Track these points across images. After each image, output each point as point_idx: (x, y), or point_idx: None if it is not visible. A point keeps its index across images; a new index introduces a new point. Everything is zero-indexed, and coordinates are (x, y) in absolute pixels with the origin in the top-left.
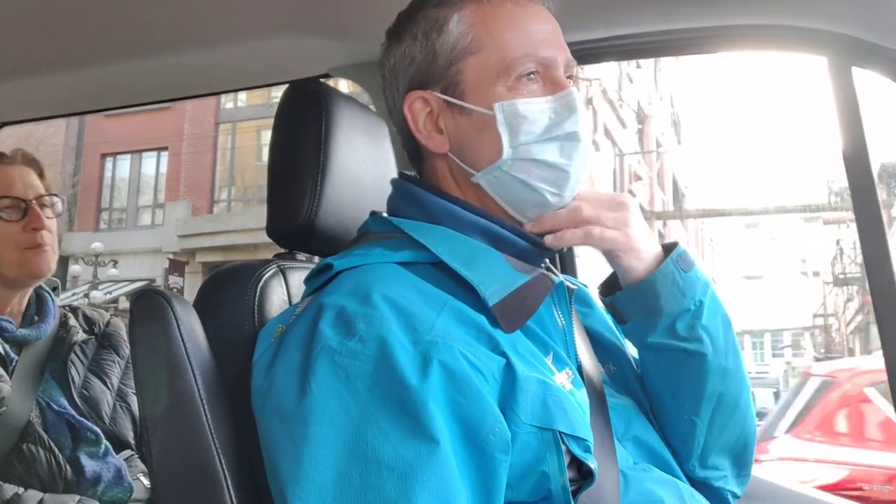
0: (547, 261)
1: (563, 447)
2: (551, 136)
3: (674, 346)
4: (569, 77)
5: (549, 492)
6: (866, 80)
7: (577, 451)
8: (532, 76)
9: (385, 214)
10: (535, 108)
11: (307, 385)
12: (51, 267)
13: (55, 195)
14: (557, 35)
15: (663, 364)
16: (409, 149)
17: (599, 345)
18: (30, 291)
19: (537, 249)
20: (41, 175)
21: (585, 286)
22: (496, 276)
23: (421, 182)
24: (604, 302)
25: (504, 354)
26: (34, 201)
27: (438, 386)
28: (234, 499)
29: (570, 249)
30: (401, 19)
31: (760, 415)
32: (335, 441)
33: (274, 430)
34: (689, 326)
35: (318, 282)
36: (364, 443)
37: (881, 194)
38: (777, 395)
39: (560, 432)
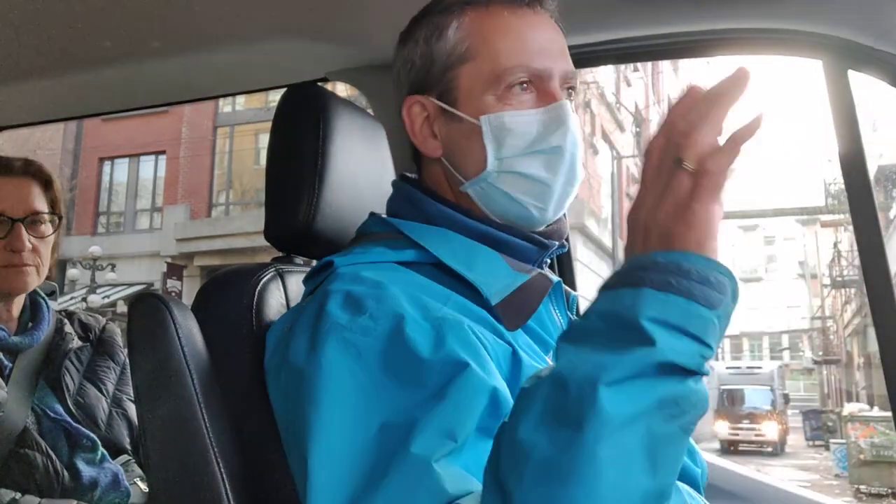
0: (547, 260)
1: None
2: (536, 150)
3: None
4: (570, 88)
5: None
6: (863, 83)
7: None
8: (524, 86)
9: (384, 216)
10: (522, 121)
11: (317, 363)
12: (31, 285)
13: (56, 214)
14: (556, 45)
15: None
16: (412, 150)
17: None
18: (21, 299)
19: (535, 249)
20: (48, 186)
21: (577, 294)
22: (496, 276)
23: (420, 185)
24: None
25: (510, 343)
26: (22, 220)
27: (458, 353)
28: (231, 502)
29: (569, 253)
30: (410, 23)
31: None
32: (348, 417)
33: (293, 416)
34: None
35: (319, 280)
36: (378, 416)
37: (878, 197)
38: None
39: None
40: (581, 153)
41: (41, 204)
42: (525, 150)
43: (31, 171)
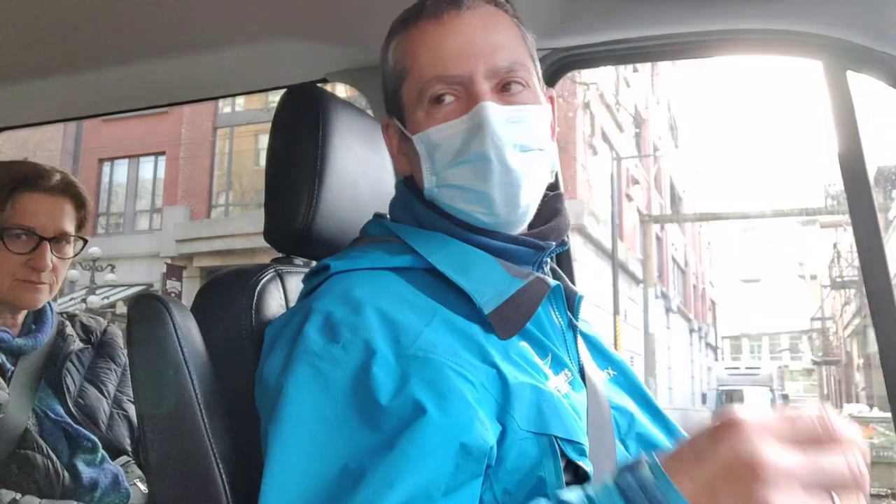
0: (549, 260)
1: (559, 451)
2: (463, 160)
3: None
4: (510, 82)
5: (546, 497)
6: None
7: (573, 455)
8: (441, 98)
9: (387, 216)
10: (445, 134)
11: (285, 386)
12: (41, 302)
13: (82, 237)
14: (476, 45)
15: None
16: None
17: (598, 350)
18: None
19: (531, 252)
20: (80, 206)
21: (581, 295)
22: (491, 283)
23: (419, 191)
24: None
25: (494, 365)
26: (50, 240)
27: (418, 399)
28: (231, 503)
29: (568, 254)
30: None
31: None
32: (306, 444)
33: (262, 426)
34: None
35: (315, 282)
36: (335, 449)
37: (877, 197)
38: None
39: (555, 437)
40: (512, 151)
41: (70, 225)
42: (452, 162)
43: (70, 190)
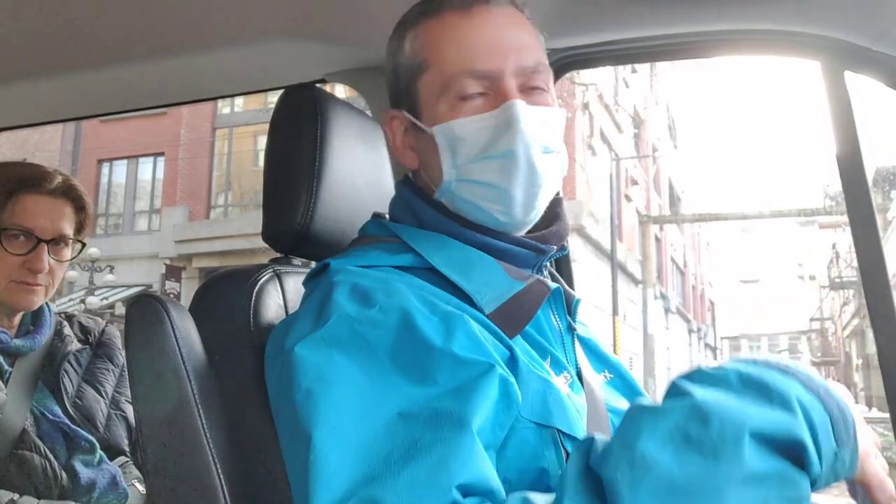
0: (548, 264)
1: (561, 444)
2: (488, 156)
3: None
4: (534, 87)
5: (548, 488)
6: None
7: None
8: (472, 91)
9: (387, 216)
10: (472, 128)
11: (328, 349)
12: (36, 304)
13: (80, 240)
14: (509, 41)
15: None
16: None
17: (594, 353)
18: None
19: (532, 254)
20: (80, 208)
21: (579, 298)
22: (491, 284)
23: (420, 190)
24: None
25: (509, 348)
26: (48, 242)
27: (468, 346)
28: (229, 503)
29: (567, 257)
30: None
31: None
32: (357, 402)
33: (290, 404)
34: None
35: (317, 282)
36: (388, 405)
37: (876, 198)
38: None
39: (558, 430)
40: (538, 151)
41: (69, 228)
42: (477, 157)
43: (70, 193)
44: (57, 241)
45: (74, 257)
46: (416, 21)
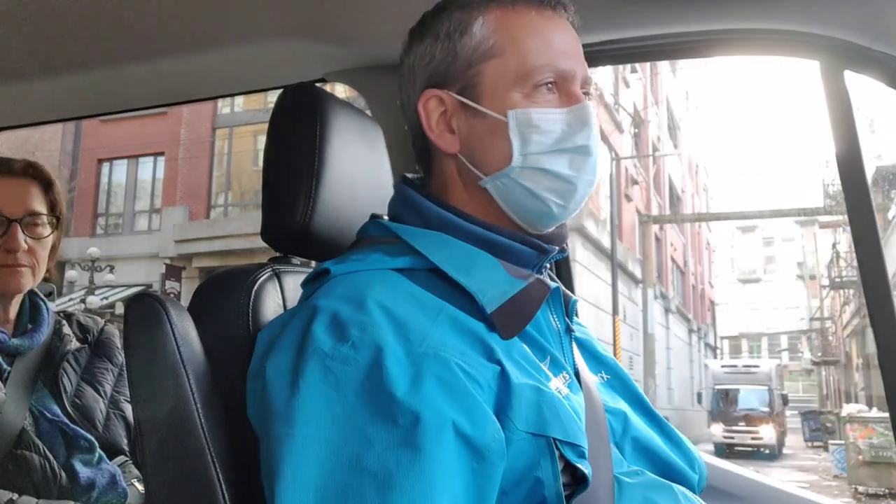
0: (547, 265)
1: (557, 453)
2: (562, 148)
3: None
4: (585, 93)
5: (543, 497)
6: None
7: (572, 457)
8: (550, 86)
9: (386, 217)
10: (549, 119)
11: (296, 386)
12: (26, 286)
13: (55, 215)
14: (577, 49)
15: None
16: (419, 148)
17: (590, 354)
18: (18, 300)
19: (535, 253)
20: (48, 188)
21: (576, 299)
22: (493, 283)
23: (421, 188)
24: None
25: (499, 362)
26: (19, 221)
27: (433, 397)
28: (228, 503)
29: (567, 259)
30: (425, 19)
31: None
32: (320, 445)
33: (265, 430)
34: None
35: (315, 286)
36: (348, 449)
37: (876, 198)
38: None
39: (554, 439)
40: (597, 151)
41: (39, 205)
42: (551, 148)
43: (32, 172)
44: (28, 220)
45: (53, 233)
46: (484, 6)
